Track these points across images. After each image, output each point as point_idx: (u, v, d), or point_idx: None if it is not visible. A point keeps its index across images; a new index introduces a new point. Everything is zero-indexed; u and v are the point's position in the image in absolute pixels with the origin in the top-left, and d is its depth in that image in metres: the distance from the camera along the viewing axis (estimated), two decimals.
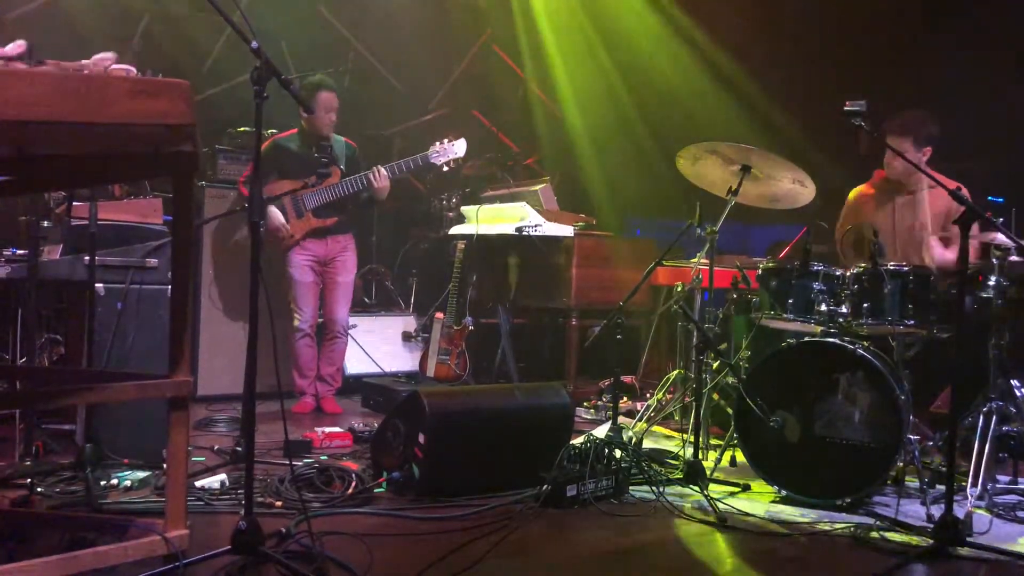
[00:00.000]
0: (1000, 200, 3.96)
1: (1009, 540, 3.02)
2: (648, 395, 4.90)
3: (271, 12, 5.93)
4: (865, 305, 3.56)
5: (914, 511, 3.31)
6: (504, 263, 5.72)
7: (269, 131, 5.10)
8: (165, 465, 2.46)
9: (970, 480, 3.33)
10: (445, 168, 5.04)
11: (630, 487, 3.45)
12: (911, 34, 5.70)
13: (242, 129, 5.49)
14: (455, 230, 5.88)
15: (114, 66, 2.09)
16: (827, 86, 5.58)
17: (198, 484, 3.16)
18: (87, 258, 3.36)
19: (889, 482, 3.53)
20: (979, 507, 3.28)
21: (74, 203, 3.72)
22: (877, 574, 2.60)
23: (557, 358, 5.64)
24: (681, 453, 3.87)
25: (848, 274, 3.64)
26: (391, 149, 6.73)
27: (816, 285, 3.65)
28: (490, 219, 5.65)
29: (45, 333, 4.01)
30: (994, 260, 3.57)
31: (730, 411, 3.89)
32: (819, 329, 3.66)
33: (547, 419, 3.56)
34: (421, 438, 3.19)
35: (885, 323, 3.55)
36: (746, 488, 3.59)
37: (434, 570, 2.51)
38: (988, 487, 3.35)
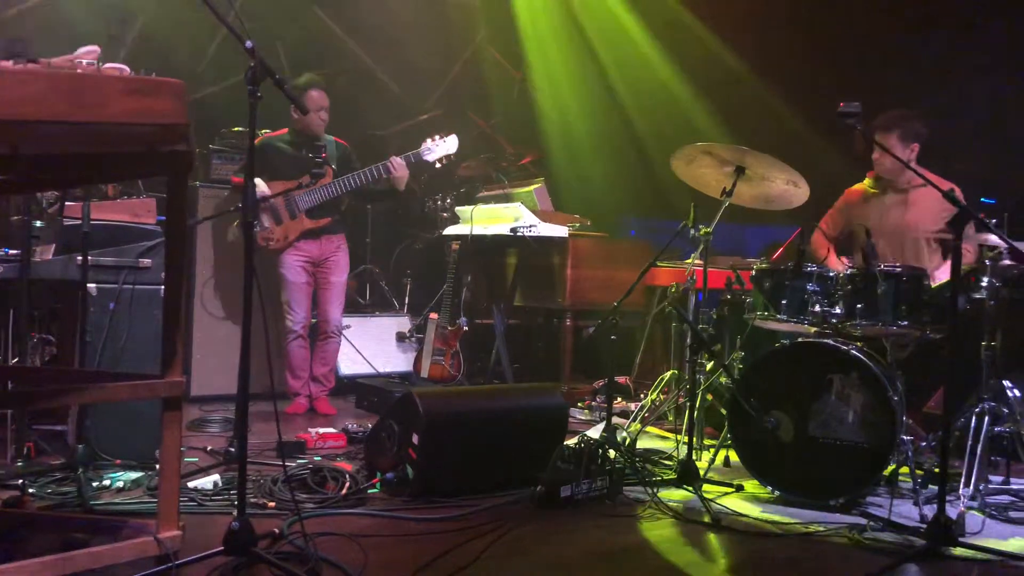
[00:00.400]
0: (992, 201, 3.98)
1: (1001, 540, 3.03)
2: (642, 395, 4.91)
3: (267, 13, 5.92)
4: (858, 306, 3.57)
5: (907, 511, 3.32)
6: (499, 264, 5.72)
7: (263, 131, 5.08)
8: (158, 466, 2.46)
9: (963, 480, 3.34)
10: (438, 165, 5.03)
11: (624, 488, 3.45)
12: (903, 35, 5.72)
13: (236, 129, 5.48)
14: (450, 230, 5.88)
15: (107, 65, 2.08)
16: (821, 87, 5.59)
17: (191, 485, 3.15)
18: (80, 258, 3.35)
19: (882, 482, 3.54)
20: (972, 507, 3.29)
21: (67, 203, 3.71)
22: (871, 574, 2.60)
23: (552, 359, 5.65)
24: (675, 454, 3.87)
25: (841, 275, 3.65)
26: (386, 150, 6.72)
27: (810, 286, 3.66)
28: (485, 220, 5.65)
29: (37, 333, 3.99)
30: (987, 261, 3.58)
31: (724, 411, 3.90)
32: (813, 330, 3.67)
33: (541, 420, 3.56)
34: (415, 439, 3.19)
35: (878, 324, 3.55)
36: (740, 489, 3.59)
37: (428, 571, 2.51)
38: (981, 487, 3.36)
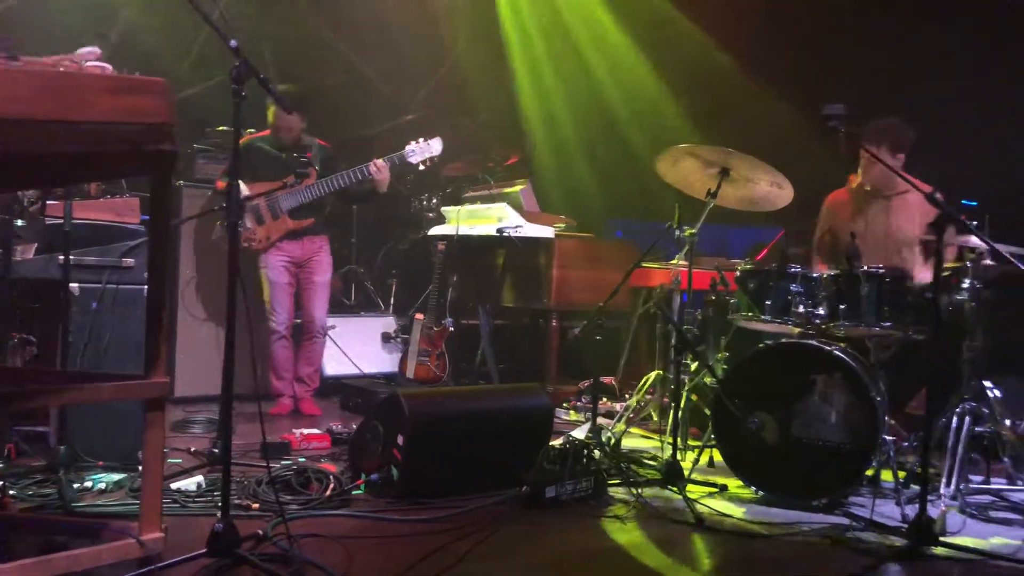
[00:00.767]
0: (973, 204, 4.01)
1: (982, 539, 3.06)
2: (627, 396, 4.92)
3: (252, 12, 5.89)
4: (842, 307, 3.60)
5: (889, 511, 3.34)
6: (485, 264, 5.71)
7: (248, 130, 5.06)
8: (140, 467, 2.44)
9: (944, 480, 3.37)
10: (421, 167, 5.02)
11: (609, 488, 3.46)
12: (885, 35, 5.76)
13: (221, 128, 5.45)
14: (435, 231, 5.87)
15: (90, 63, 2.07)
16: (806, 86, 5.62)
17: (174, 486, 3.13)
18: (61, 257, 3.33)
19: (865, 483, 3.57)
20: (953, 507, 3.32)
21: (49, 201, 3.67)
22: (854, 574, 2.62)
23: (537, 359, 5.65)
24: (659, 454, 3.89)
25: (825, 276, 3.67)
26: (372, 151, 6.71)
27: (793, 287, 3.69)
28: (471, 220, 5.65)
29: (18, 333, 3.96)
30: (968, 263, 3.61)
31: (708, 412, 3.91)
32: (796, 331, 3.70)
33: (527, 420, 3.56)
34: (400, 440, 3.19)
35: (861, 325, 3.58)
36: (724, 489, 3.61)
37: (413, 572, 2.51)
38: (961, 487, 3.39)
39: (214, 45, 5.46)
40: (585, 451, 3.43)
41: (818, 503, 3.37)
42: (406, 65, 7.20)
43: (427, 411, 3.28)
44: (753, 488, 3.50)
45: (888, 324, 3.57)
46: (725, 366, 4.12)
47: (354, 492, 3.24)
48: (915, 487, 3.34)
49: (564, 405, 5.34)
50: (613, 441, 4.01)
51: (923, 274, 4.07)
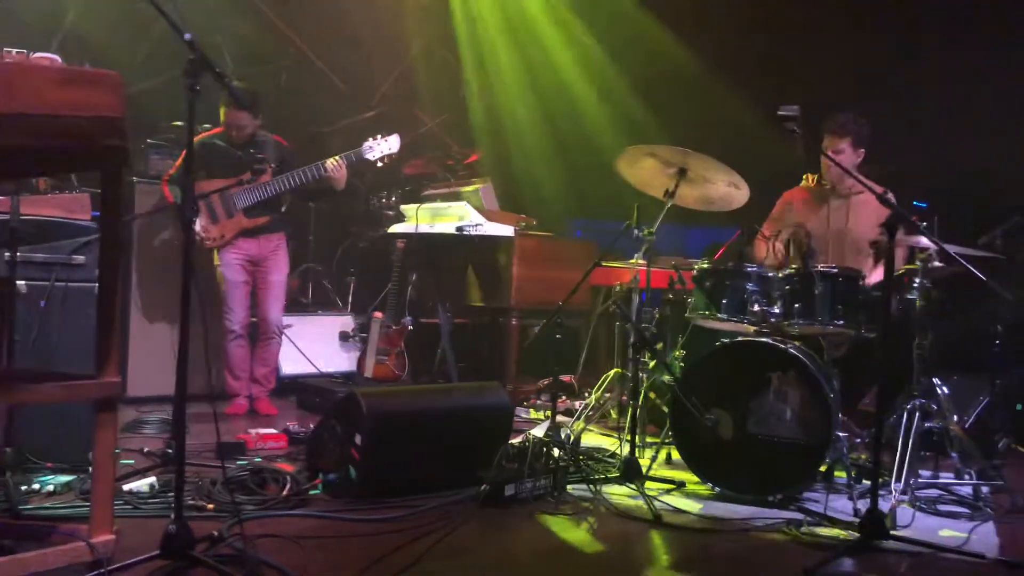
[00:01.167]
0: (924, 205, 4.10)
1: (930, 532, 3.14)
2: (587, 394, 4.94)
3: (208, 5, 5.79)
4: (796, 306, 3.66)
5: (842, 506, 3.41)
6: (444, 263, 5.70)
7: (204, 126, 4.98)
8: (91, 469, 2.38)
9: (894, 475, 3.44)
10: (379, 164, 4.99)
11: (568, 485, 3.48)
12: (842, 39, 5.86)
13: (175, 124, 5.35)
14: (395, 229, 5.84)
15: (37, 55, 2.01)
16: (766, 86, 5.70)
17: (126, 488, 3.07)
18: (8, 254, 3.23)
19: (819, 478, 3.63)
20: (903, 501, 3.39)
21: None
22: (807, 567, 2.66)
23: (497, 358, 5.65)
24: (618, 451, 3.91)
25: (780, 276, 3.73)
26: (330, 147, 6.65)
27: (749, 286, 3.74)
28: (430, 218, 5.63)
29: None
30: (918, 263, 3.69)
31: (666, 410, 3.95)
32: (752, 329, 3.74)
33: (486, 419, 3.56)
34: (358, 439, 3.16)
35: (815, 323, 3.65)
36: (681, 486, 3.64)
37: (371, 572, 2.49)
38: (911, 482, 3.46)
39: (168, 39, 5.36)
40: (544, 449, 3.44)
41: (773, 498, 3.42)
42: (365, 62, 7.15)
43: (385, 410, 3.26)
44: (709, 484, 3.54)
45: (841, 323, 3.64)
46: (682, 364, 4.16)
47: (311, 492, 3.20)
48: (867, 482, 3.41)
49: (524, 403, 5.35)
50: (572, 439, 4.02)
51: (874, 277, 4.15)
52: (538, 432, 4.01)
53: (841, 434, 3.51)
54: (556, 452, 3.53)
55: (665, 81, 6.56)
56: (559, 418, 4.17)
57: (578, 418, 4.51)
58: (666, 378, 4.14)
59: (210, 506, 2.94)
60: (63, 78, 2.02)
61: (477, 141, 7.11)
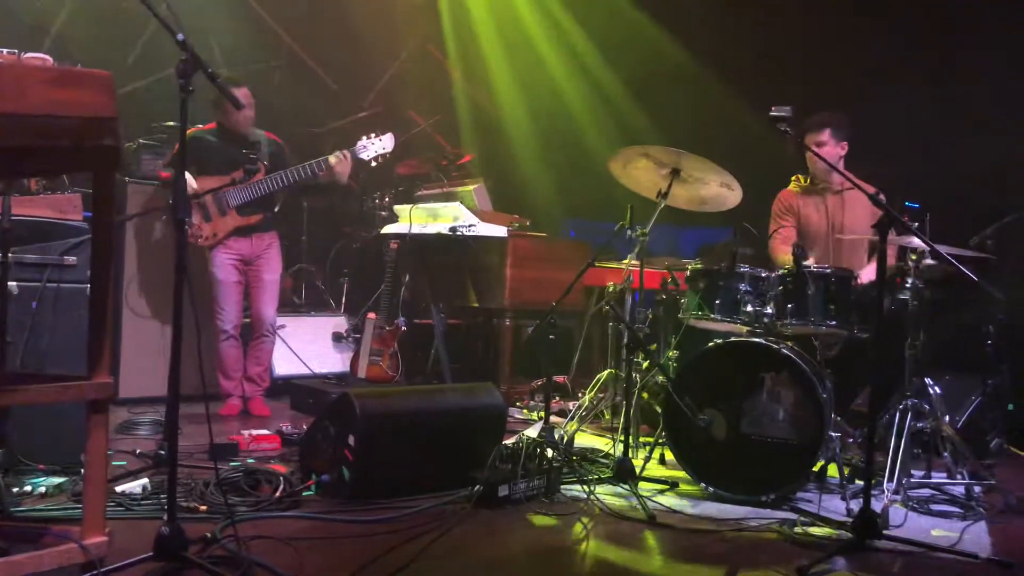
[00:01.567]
0: (916, 205, 4.11)
1: (923, 532, 3.14)
2: (580, 395, 4.95)
3: (200, 5, 5.78)
4: (789, 306, 3.67)
5: (835, 506, 3.42)
6: (438, 263, 5.69)
7: (197, 124, 4.96)
8: (83, 470, 2.37)
9: (887, 475, 3.45)
10: (373, 163, 4.98)
11: (561, 486, 3.48)
12: (837, 40, 5.88)
13: (167, 124, 5.34)
14: (388, 229, 5.84)
15: (28, 55, 2.01)
16: (760, 87, 5.71)
17: (119, 489, 3.06)
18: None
19: (812, 478, 3.64)
20: (895, 501, 3.41)
21: None
22: (801, 567, 2.67)
23: (491, 358, 5.65)
24: (612, 452, 3.92)
25: (773, 276, 3.74)
26: (323, 147, 6.65)
27: (742, 286, 3.74)
28: (424, 219, 5.63)
29: None
30: (910, 263, 3.71)
31: (659, 410, 3.95)
32: (745, 329, 3.75)
33: (480, 420, 3.56)
34: (351, 440, 3.16)
35: (808, 323, 3.65)
36: (674, 486, 3.65)
37: (364, 573, 2.48)
38: (904, 482, 3.47)
39: (160, 38, 5.35)
40: (538, 450, 3.44)
41: (766, 498, 3.42)
42: (358, 61, 7.14)
43: (378, 411, 3.26)
44: (703, 484, 3.54)
45: (834, 323, 3.65)
46: (675, 364, 4.16)
47: (304, 493, 3.20)
48: (860, 482, 3.41)
49: (517, 404, 5.35)
50: (566, 440, 4.03)
51: (866, 275, 4.17)
52: (532, 433, 4.02)
53: (834, 434, 3.51)
54: (550, 453, 3.53)
55: (659, 81, 6.57)
56: (553, 419, 4.17)
57: (572, 419, 4.52)
58: (659, 378, 4.15)
59: (203, 507, 2.94)
60: (53, 78, 2.01)
61: (470, 141, 7.11)
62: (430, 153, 6.70)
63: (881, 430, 3.59)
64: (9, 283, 3.29)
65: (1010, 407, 4.55)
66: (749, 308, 3.71)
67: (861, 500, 2.93)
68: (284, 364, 5.51)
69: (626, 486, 3.51)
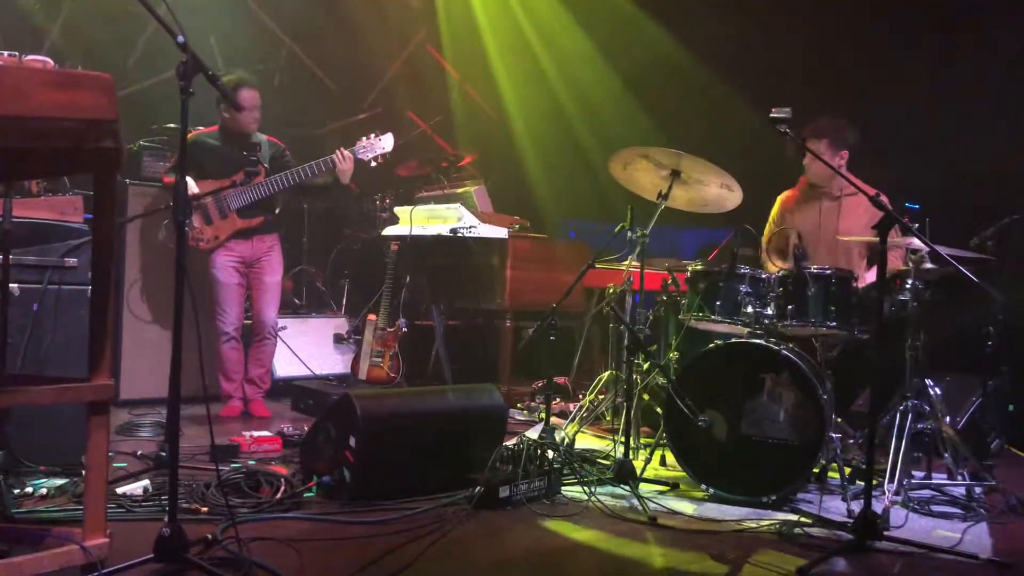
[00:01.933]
0: (916, 207, 4.12)
1: (923, 533, 3.15)
2: (580, 396, 4.94)
3: (200, 7, 5.79)
4: (789, 307, 3.67)
5: (836, 507, 3.42)
6: (438, 264, 5.70)
7: (198, 127, 4.97)
8: (84, 472, 2.38)
9: (887, 476, 3.45)
10: (373, 164, 4.98)
11: (562, 487, 3.48)
12: (835, 44, 5.88)
13: (168, 125, 5.35)
14: (389, 231, 5.84)
15: (29, 57, 2.01)
16: (762, 88, 5.71)
17: (119, 491, 3.06)
18: (0, 257, 3.22)
19: (812, 479, 3.64)
20: (896, 502, 3.40)
21: None
22: (801, 568, 2.67)
23: (491, 360, 5.65)
24: (612, 453, 3.91)
25: (773, 277, 3.74)
26: (323, 148, 6.66)
27: (743, 287, 3.74)
28: (424, 220, 5.63)
29: None
30: (910, 264, 3.71)
31: (660, 411, 3.95)
32: (745, 330, 3.75)
33: (481, 421, 3.56)
34: (352, 441, 3.16)
35: (809, 324, 3.65)
36: (675, 487, 3.65)
37: (365, 574, 2.49)
38: (904, 483, 3.47)
39: (161, 40, 5.36)
40: (539, 451, 3.44)
41: (767, 499, 3.42)
42: (358, 63, 7.15)
43: (379, 412, 3.26)
44: (704, 485, 3.55)
45: (834, 324, 3.65)
46: (676, 366, 4.16)
47: (305, 494, 3.20)
48: (860, 483, 3.41)
49: (518, 405, 5.35)
50: (566, 441, 4.03)
51: (868, 278, 4.16)
52: (532, 434, 4.02)
53: (834, 435, 3.51)
54: (550, 454, 3.54)
55: (659, 82, 6.57)
56: (553, 420, 4.17)
57: (572, 420, 4.52)
58: (660, 380, 4.15)
59: (204, 509, 2.94)
60: (53, 80, 2.02)
61: (470, 143, 7.11)
62: (430, 154, 6.71)
63: (882, 431, 3.59)
64: (10, 285, 3.30)
65: (1010, 408, 4.55)
66: (749, 309, 3.71)
67: (862, 501, 2.94)
68: (285, 365, 5.51)
69: (627, 487, 3.52)
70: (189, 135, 4.70)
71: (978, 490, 3.60)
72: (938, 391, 3.72)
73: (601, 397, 4.59)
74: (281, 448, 4.02)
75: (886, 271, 3.05)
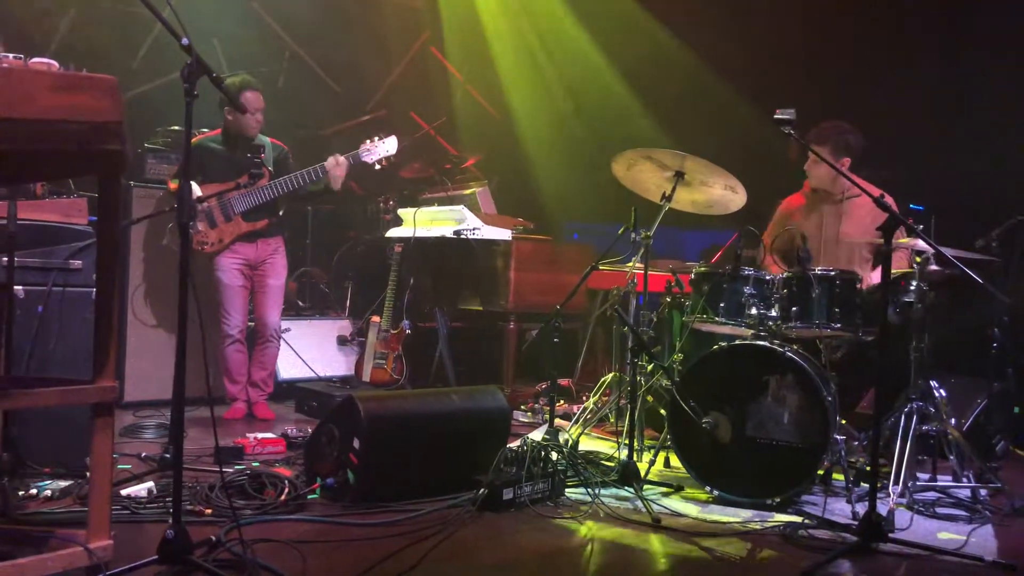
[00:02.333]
0: (920, 208, 4.11)
1: (928, 535, 3.14)
2: (584, 398, 4.94)
3: (204, 9, 5.80)
4: (794, 309, 3.66)
5: (840, 509, 3.41)
6: (442, 266, 5.70)
7: (201, 130, 4.98)
8: (88, 473, 2.38)
9: (892, 478, 3.44)
10: (377, 166, 4.98)
11: (566, 489, 3.48)
12: (839, 45, 5.88)
13: (172, 128, 5.36)
14: (392, 233, 5.84)
15: (34, 60, 2.01)
16: (764, 89, 5.71)
17: (124, 492, 3.07)
18: (5, 259, 3.23)
19: (817, 481, 3.63)
20: (901, 504, 3.39)
21: None
22: (805, 570, 2.66)
23: (495, 361, 5.65)
24: (616, 455, 3.91)
25: (777, 279, 3.73)
26: (327, 150, 6.66)
27: (747, 289, 3.74)
28: (428, 222, 5.63)
29: None
30: (915, 266, 3.70)
31: (664, 413, 3.95)
32: (750, 332, 3.75)
33: (484, 423, 3.56)
34: (356, 443, 3.16)
35: (813, 326, 3.65)
36: (679, 489, 3.64)
37: None
38: (909, 485, 3.46)
39: (165, 43, 5.37)
40: (542, 453, 3.43)
41: (771, 501, 3.42)
42: (362, 65, 7.15)
43: (383, 414, 3.26)
44: (708, 487, 3.54)
45: (838, 326, 3.64)
46: (680, 367, 4.16)
47: (309, 496, 3.20)
48: (865, 485, 3.41)
49: (522, 407, 5.35)
50: (570, 443, 4.02)
51: (872, 280, 4.16)
52: (536, 436, 4.01)
53: (839, 437, 3.51)
54: (554, 456, 3.53)
55: (663, 83, 6.57)
56: (557, 422, 4.17)
57: (576, 422, 4.51)
58: (664, 381, 4.14)
59: (208, 511, 2.94)
60: (57, 83, 2.02)
61: (474, 145, 7.11)
62: (434, 156, 6.71)
63: (886, 433, 3.58)
64: (15, 287, 3.31)
65: (1016, 410, 4.53)
66: (753, 311, 3.70)
67: (866, 503, 2.93)
68: (289, 367, 5.51)
69: (631, 489, 3.51)
70: (194, 140, 4.73)
71: (983, 492, 3.59)
72: (943, 393, 3.71)
73: (605, 399, 4.59)
74: (285, 450, 4.02)
75: (890, 273, 3.04)
